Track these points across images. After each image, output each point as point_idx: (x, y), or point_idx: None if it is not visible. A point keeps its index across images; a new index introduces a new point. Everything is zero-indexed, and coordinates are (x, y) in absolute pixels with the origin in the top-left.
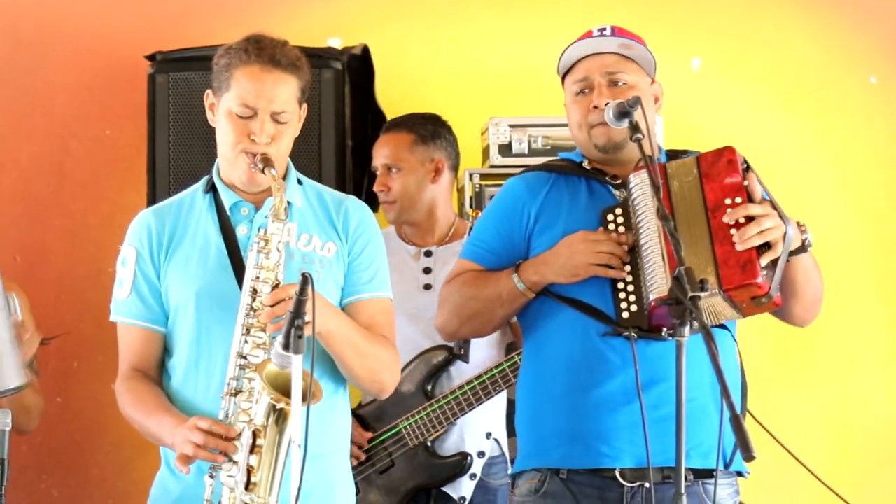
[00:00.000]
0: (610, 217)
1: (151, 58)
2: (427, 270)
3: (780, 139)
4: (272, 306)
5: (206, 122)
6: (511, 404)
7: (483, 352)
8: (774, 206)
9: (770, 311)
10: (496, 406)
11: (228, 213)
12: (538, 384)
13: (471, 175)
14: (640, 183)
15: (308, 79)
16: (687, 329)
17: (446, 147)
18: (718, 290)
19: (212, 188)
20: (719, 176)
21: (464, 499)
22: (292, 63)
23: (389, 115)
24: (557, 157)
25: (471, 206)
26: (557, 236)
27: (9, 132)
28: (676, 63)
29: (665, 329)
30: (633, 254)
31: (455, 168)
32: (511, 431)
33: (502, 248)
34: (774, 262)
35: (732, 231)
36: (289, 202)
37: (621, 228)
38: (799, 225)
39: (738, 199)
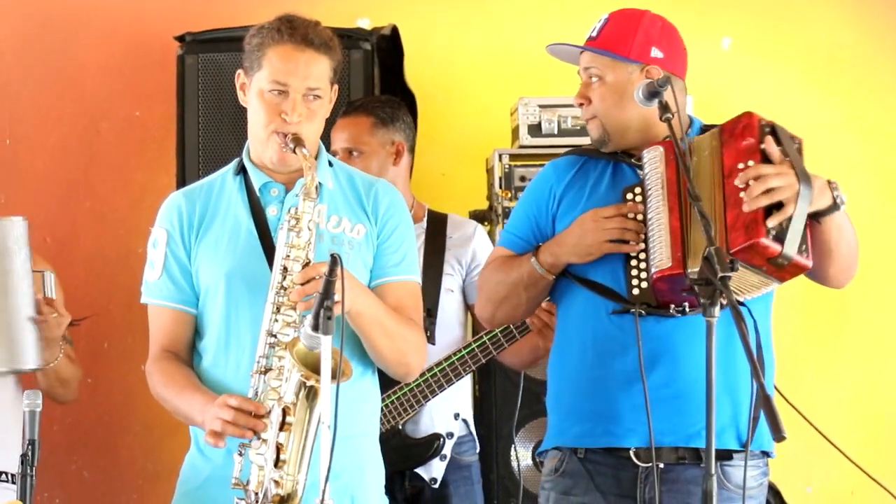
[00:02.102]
0: (629, 196)
1: (181, 39)
2: None
3: (812, 118)
4: (302, 284)
5: (236, 103)
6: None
7: (449, 333)
8: (794, 166)
9: (799, 275)
10: (462, 386)
11: (258, 194)
12: (560, 363)
13: (500, 155)
14: (651, 158)
15: (340, 59)
16: (717, 309)
17: (404, 129)
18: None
19: (242, 170)
20: (735, 141)
21: (434, 479)
22: (325, 43)
23: (419, 96)
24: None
25: (500, 187)
26: (576, 216)
27: (39, 114)
28: (707, 42)
29: (673, 306)
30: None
31: (412, 150)
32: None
33: (530, 234)
34: (787, 222)
35: (742, 194)
36: (319, 182)
37: (640, 207)
38: (829, 183)
39: (751, 163)
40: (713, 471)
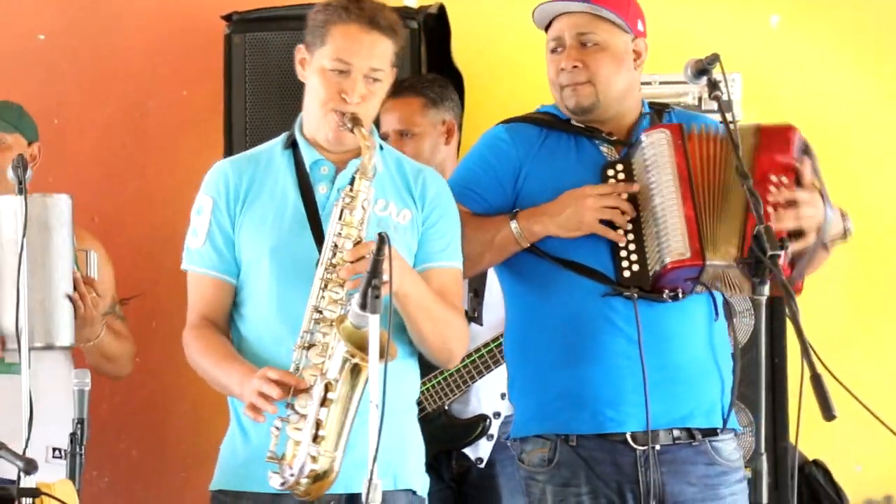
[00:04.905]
0: (611, 172)
1: (228, 18)
2: None
3: (859, 97)
4: (353, 262)
5: (283, 83)
6: None
7: (497, 314)
8: (822, 194)
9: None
10: None
11: (308, 170)
12: (534, 347)
13: None
14: (653, 142)
15: (402, 44)
16: (767, 287)
17: (453, 108)
18: (739, 262)
19: (292, 145)
20: (772, 151)
21: (481, 459)
22: (390, 26)
23: (466, 75)
24: (541, 111)
25: None
26: (548, 192)
27: (86, 94)
28: (754, 20)
29: (667, 290)
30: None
31: (460, 128)
32: None
33: (490, 195)
34: (802, 251)
35: (770, 209)
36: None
37: (635, 187)
38: (843, 213)
39: (785, 179)
40: (762, 449)
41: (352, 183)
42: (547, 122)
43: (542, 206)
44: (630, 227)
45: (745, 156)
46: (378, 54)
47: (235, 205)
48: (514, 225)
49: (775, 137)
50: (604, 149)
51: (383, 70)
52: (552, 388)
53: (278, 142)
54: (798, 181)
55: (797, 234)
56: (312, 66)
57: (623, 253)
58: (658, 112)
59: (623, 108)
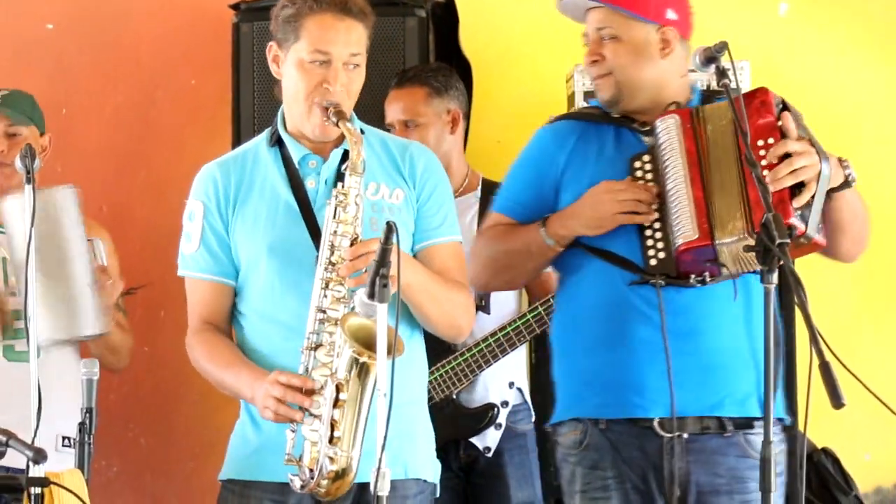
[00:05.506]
0: (637, 164)
1: (236, 7)
2: None
3: (868, 85)
4: (352, 260)
5: None
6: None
7: (504, 303)
8: (813, 144)
9: (812, 253)
10: (517, 355)
11: (297, 166)
12: (571, 334)
13: None
14: (666, 128)
15: (373, 26)
16: (775, 275)
17: (458, 97)
18: (749, 233)
19: (277, 141)
20: (752, 118)
21: (489, 449)
22: (361, 10)
23: (474, 64)
24: (588, 105)
25: None
26: (585, 186)
27: (94, 83)
28: (763, 8)
29: (693, 276)
30: (660, 201)
31: (467, 116)
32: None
33: (532, 201)
34: (810, 202)
35: (765, 172)
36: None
37: (649, 175)
38: (840, 161)
39: (771, 140)
40: (771, 437)
41: (342, 179)
42: (586, 115)
43: (566, 209)
44: (655, 215)
45: (726, 131)
46: (354, 40)
47: (227, 207)
48: (542, 232)
49: (750, 105)
50: (645, 139)
51: (361, 54)
52: (585, 373)
53: (262, 139)
54: (784, 138)
55: (798, 187)
56: (289, 62)
57: (650, 242)
58: (706, 99)
59: (661, 98)
